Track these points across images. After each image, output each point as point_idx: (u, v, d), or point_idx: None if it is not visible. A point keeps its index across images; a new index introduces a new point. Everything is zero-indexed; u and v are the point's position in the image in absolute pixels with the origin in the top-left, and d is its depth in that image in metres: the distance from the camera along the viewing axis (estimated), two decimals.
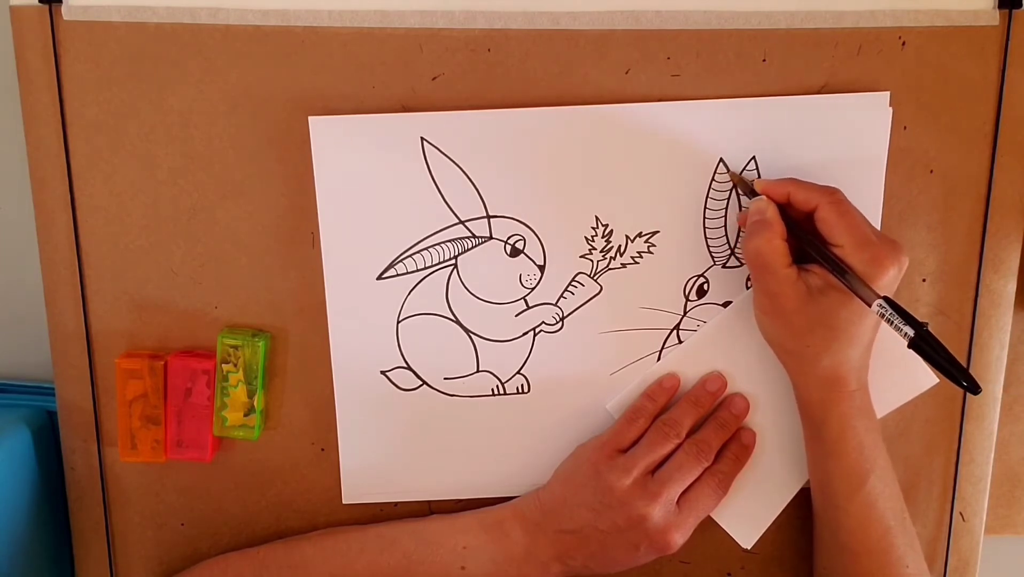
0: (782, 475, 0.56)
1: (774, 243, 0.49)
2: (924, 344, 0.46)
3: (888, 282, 0.48)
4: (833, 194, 0.49)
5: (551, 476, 0.55)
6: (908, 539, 0.53)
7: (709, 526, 0.56)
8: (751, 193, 0.52)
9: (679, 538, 0.52)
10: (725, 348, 0.55)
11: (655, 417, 0.54)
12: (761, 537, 0.57)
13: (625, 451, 0.53)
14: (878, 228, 0.54)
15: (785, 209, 0.50)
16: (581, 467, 0.54)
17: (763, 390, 0.55)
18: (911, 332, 0.46)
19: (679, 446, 0.53)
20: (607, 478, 0.52)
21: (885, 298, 0.47)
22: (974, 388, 0.45)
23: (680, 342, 0.55)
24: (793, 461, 0.56)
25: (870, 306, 0.47)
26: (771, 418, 0.56)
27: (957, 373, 0.45)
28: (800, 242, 0.50)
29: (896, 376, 0.55)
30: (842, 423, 0.51)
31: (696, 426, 0.54)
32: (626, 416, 0.54)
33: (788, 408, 0.55)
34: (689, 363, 0.55)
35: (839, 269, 0.48)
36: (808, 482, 0.56)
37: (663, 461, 0.53)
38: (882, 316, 0.47)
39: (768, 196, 0.50)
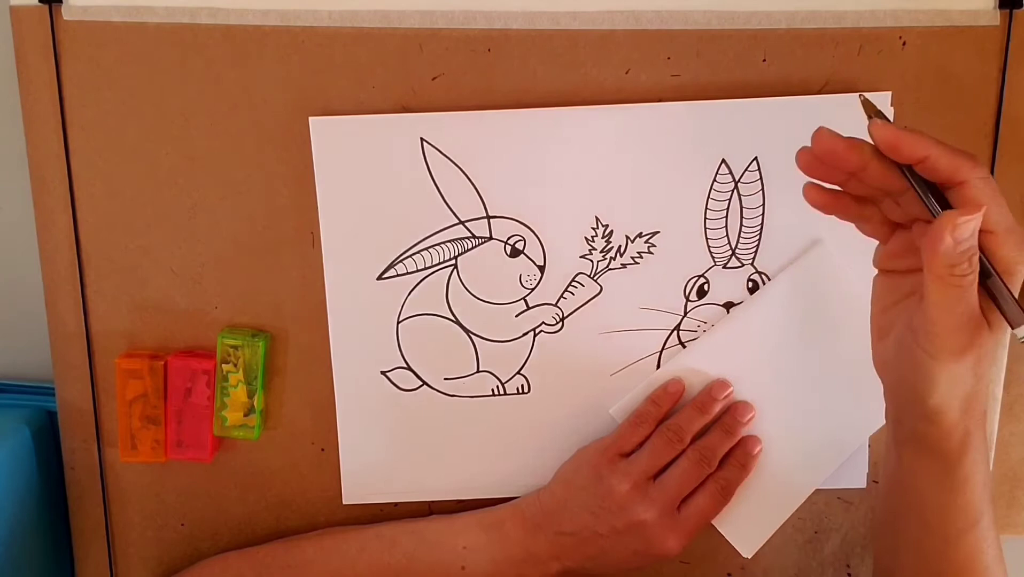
0: (787, 485, 0.56)
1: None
2: None
3: None
4: (983, 168, 0.39)
5: (552, 477, 0.55)
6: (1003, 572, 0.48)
7: (709, 527, 0.56)
8: (878, 115, 0.41)
9: (678, 544, 0.52)
10: (731, 354, 0.55)
11: (659, 422, 0.54)
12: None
13: (628, 455, 0.53)
14: None
15: (897, 168, 0.41)
16: (582, 470, 0.54)
17: (768, 398, 0.55)
18: None
19: (682, 452, 0.53)
20: (608, 481, 0.52)
21: None
22: None
23: (680, 342, 0.55)
24: (798, 472, 0.56)
25: (1013, 328, 0.40)
26: (776, 426, 0.55)
27: None
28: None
29: None
30: (975, 456, 0.44)
31: (700, 432, 0.54)
32: (630, 420, 0.54)
33: (793, 417, 0.55)
34: (694, 368, 0.55)
35: (985, 272, 0.40)
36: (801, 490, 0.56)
37: (665, 467, 0.53)
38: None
39: (896, 151, 0.40)
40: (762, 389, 0.55)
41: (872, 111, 0.42)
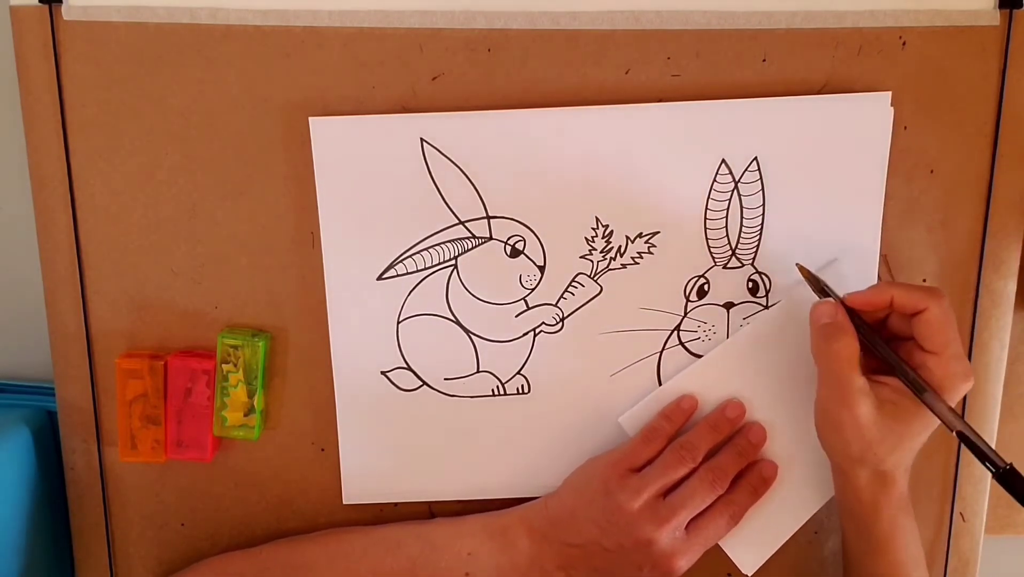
0: (790, 505, 0.55)
1: (852, 349, 0.47)
2: (1007, 482, 0.47)
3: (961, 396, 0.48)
4: (942, 297, 0.47)
5: (561, 485, 0.55)
6: None
7: None
8: (821, 293, 0.50)
9: (684, 564, 0.52)
10: (743, 369, 0.54)
11: (671, 438, 0.53)
12: None
13: (638, 470, 0.52)
14: (879, 230, 0.54)
15: (856, 312, 0.49)
16: (592, 482, 0.53)
17: (779, 417, 0.54)
18: (991, 469, 0.47)
19: (693, 470, 0.52)
20: (617, 497, 0.51)
21: (960, 433, 0.47)
22: None
23: (681, 343, 0.55)
24: (802, 492, 0.55)
25: (951, 432, 0.47)
26: (784, 447, 0.55)
27: None
28: (874, 351, 0.49)
29: None
30: (892, 523, 0.50)
31: (712, 452, 0.53)
32: (642, 435, 0.53)
33: (802, 438, 0.54)
34: (705, 382, 0.54)
35: (919, 388, 0.48)
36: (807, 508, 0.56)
37: (675, 484, 0.52)
38: (963, 442, 0.48)
39: (869, 306, 0.49)
40: (770, 407, 0.55)
41: (815, 284, 0.51)
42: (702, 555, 0.57)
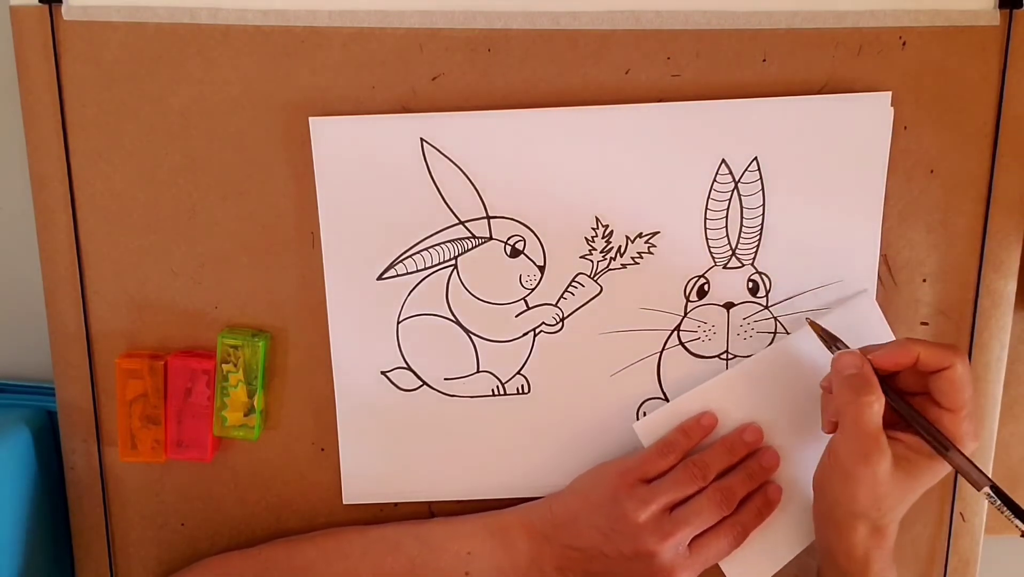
0: (794, 530, 0.55)
1: (881, 404, 0.47)
2: None
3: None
4: (965, 356, 0.48)
5: (567, 487, 0.55)
6: None
7: None
8: (834, 347, 0.50)
9: None
10: (761, 391, 0.54)
11: (686, 453, 0.53)
12: None
13: (649, 481, 0.52)
14: (879, 230, 0.54)
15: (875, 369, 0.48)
16: (600, 487, 0.53)
17: (789, 443, 0.54)
18: (1022, 526, 0.47)
19: (703, 489, 0.52)
20: (624, 506, 0.51)
21: (992, 486, 0.47)
22: None
23: (681, 343, 0.55)
24: (803, 518, 0.55)
25: (979, 490, 0.47)
26: (790, 472, 0.54)
27: None
28: (896, 408, 0.49)
29: None
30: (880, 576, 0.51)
31: (723, 472, 0.53)
32: (657, 448, 0.53)
33: (808, 465, 0.53)
34: (723, 398, 0.54)
35: (944, 446, 0.47)
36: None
37: (683, 500, 0.52)
38: (991, 503, 0.47)
39: (894, 365, 0.48)
40: (783, 433, 0.54)
41: (828, 338, 0.51)
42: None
